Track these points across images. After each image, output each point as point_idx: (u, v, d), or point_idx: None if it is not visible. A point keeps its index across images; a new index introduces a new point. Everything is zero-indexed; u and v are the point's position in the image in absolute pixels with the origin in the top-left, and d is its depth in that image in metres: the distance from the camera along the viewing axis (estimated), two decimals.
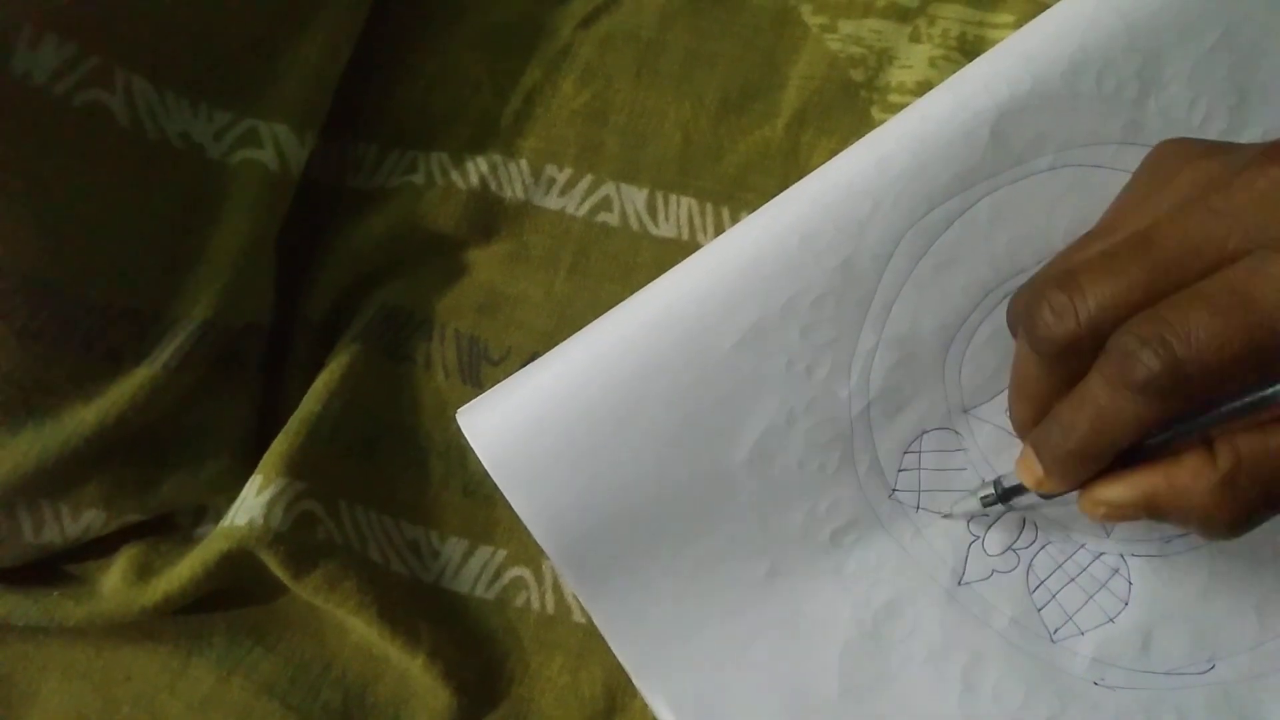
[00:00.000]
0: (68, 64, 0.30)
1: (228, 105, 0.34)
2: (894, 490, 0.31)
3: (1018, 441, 0.31)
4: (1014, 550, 0.31)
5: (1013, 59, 0.31)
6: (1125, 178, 0.29)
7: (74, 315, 0.31)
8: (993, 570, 0.31)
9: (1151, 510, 0.25)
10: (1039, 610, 0.30)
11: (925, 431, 0.31)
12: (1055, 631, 0.30)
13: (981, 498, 0.30)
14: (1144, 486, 0.25)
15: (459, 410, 0.31)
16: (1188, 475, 0.24)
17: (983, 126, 0.30)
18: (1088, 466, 0.25)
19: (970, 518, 0.31)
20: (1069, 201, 0.31)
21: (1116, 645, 0.30)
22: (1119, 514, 0.25)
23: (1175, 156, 0.26)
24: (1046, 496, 0.27)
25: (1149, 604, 0.30)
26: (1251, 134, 0.31)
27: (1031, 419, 0.27)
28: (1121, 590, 0.30)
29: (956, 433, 0.31)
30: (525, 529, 0.30)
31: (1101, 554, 0.31)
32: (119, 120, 0.32)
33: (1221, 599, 0.30)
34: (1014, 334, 0.28)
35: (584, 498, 0.30)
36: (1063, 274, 0.24)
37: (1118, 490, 0.25)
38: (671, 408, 0.30)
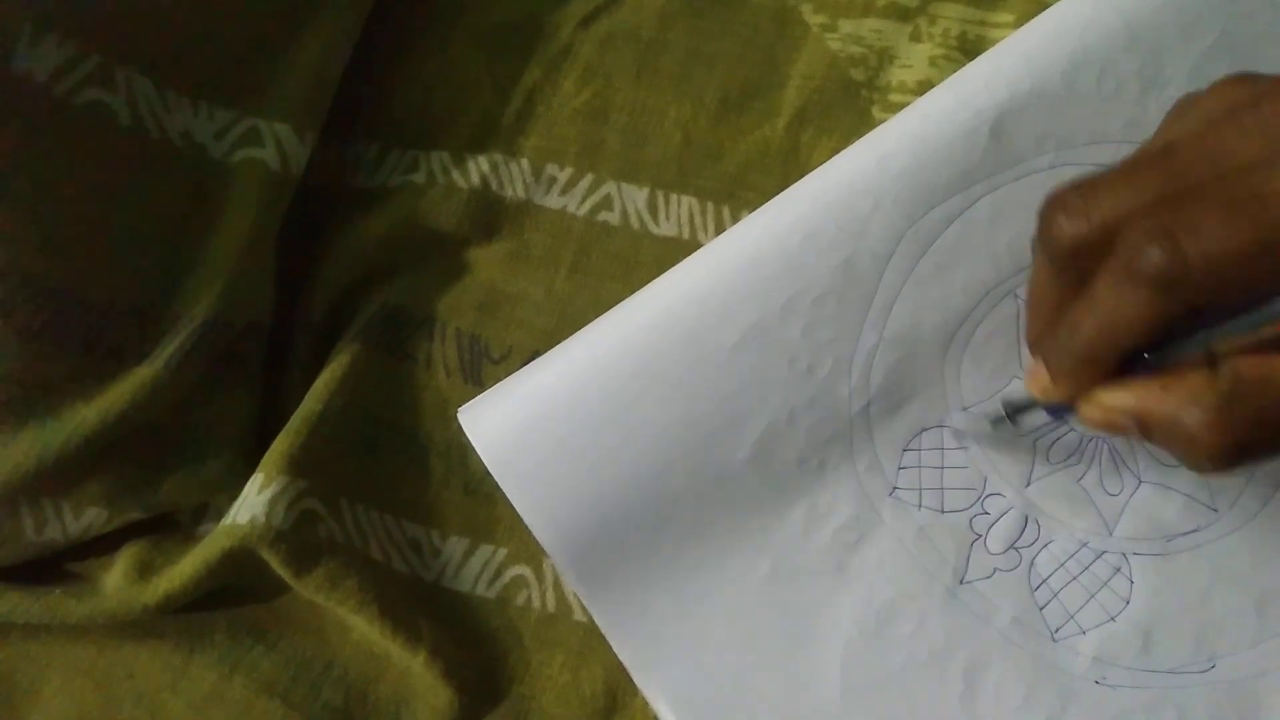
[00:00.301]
0: (69, 63, 0.30)
1: (229, 104, 0.34)
2: (895, 489, 0.31)
3: (1018, 439, 0.31)
4: (1016, 549, 0.31)
5: (1013, 58, 0.31)
6: None
7: (75, 314, 0.31)
8: (995, 569, 0.31)
9: (1143, 422, 0.24)
10: (1041, 609, 0.30)
11: (925, 429, 0.31)
12: (1057, 630, 0.30)
13: (991, 418, 0.30)
14: (1141, 395, 0.24)
15: (460, 409, 0.31)
16: (1186, 390, 0.23)
17: (983, 125, 0.30)
18: (1091, 370, 0.25)
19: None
20: None
21: (1118, 644, 0.30)
22: (1112, 420, 0.25)
23: (1200, 91, 0.26)
24: (1054, 413, 0.27)
25: (1150, 603, 0.30)
26: None
27: (1044, 330, 0.26)
28: (1123, 589, 0.30)
29: (957, 431, 0.31)
30: (526, 528, 0.30)
31: (1103, 552, 0.30)
32: (120, 119, 0.32)
33: (1222, 598, 0.30)
34: (1033, 253, 0.27)
35: (584, 496, 0.30)
36: (1080, 180, 0.24)
37: (1115, 395, 0.25)
38: (672, 407, 0.30)
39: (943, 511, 0.31)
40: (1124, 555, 0.30)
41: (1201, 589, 0.30)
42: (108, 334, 0.32)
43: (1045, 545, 0.31)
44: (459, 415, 0.31)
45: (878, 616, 0.30)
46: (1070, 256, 0.24)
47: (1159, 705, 0.30)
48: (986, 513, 0.31)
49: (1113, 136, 0.31)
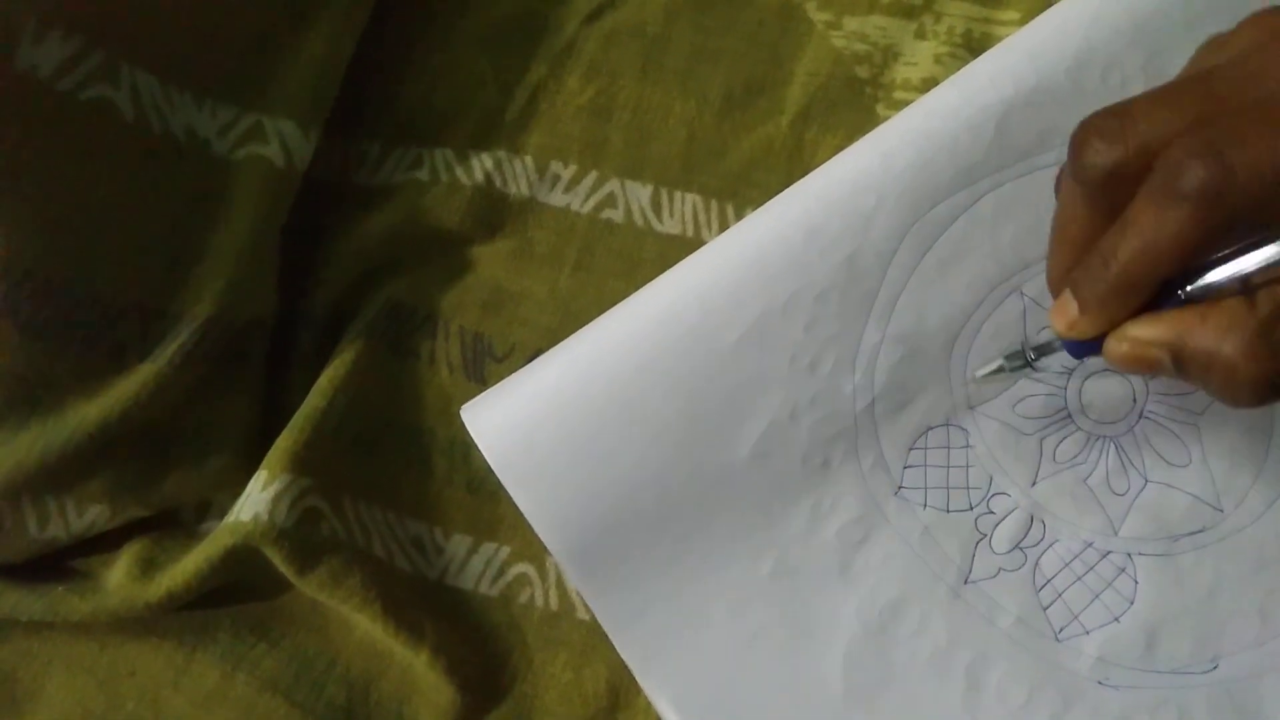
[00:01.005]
0: (73, 59, 0.30)
1: (233, 101, 0.34)
2: (900, 487, 0.31)
3: (1024, 438, 0.31)
4: (1021, 549, 0.31)
5: (1018, 55, 0.31)
6: None
7: (79, 311, 0.31)
8: (999, 569, 0.30)
9: (1177, 354, 0.23)
10: (1045, 609, 0.30)
11: (930, 428, 0.31)
12: (1060, 631, 0.30)
13: (1008, 359, 0.28)
14: (1177, 326, 0.23)
15: (463, 406, 0.31)
16: (1224, 318, 0.22)
17: (988, 122, 0.30)
18: (1126, 299, 0.24)
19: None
20: None
21: (1121, 644, 0.30)
22: (1144, 355, 0.24)
23: (1231, 30, 0.25)
24: (1077, 352, 0.26)
25: (1155, 603, 0.30)
26: None
27: (1070, 266, 0.25)
28: (1127, 589, 0.30)
29: (963, 429, 0.31)
30: (529, 525, 0.30)
31: (1109, 552, 0.30)
32: (124, 115, 0.32)
33: (1226, 598, 0.30)
34: (1058, 192, 0.26)
35: (587, 494, 0.30)
36: (1116, 105, 0.23)
37: (1148, 327, 0.24)
38: (675, 404, 0.30)
39: (948, 511, 0.31)
40: (1129, 555, 0.30)
41: (1206, 589, 0.30)
42: (111, 331, 0.32)
43: (1050, 545, 0.31)
44: (462, 413, 0.31)
45: (881, 615, 0.30)
46: (1105, 183, 0.23)
47: (1161, 706, 0.30)
48: (992, 512, 0.31)
49: None
